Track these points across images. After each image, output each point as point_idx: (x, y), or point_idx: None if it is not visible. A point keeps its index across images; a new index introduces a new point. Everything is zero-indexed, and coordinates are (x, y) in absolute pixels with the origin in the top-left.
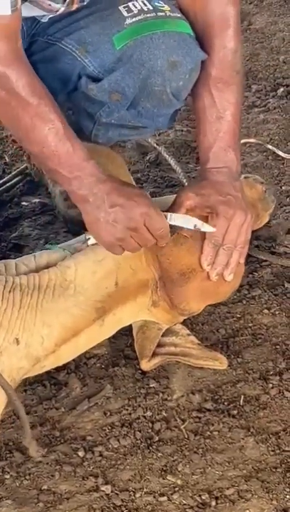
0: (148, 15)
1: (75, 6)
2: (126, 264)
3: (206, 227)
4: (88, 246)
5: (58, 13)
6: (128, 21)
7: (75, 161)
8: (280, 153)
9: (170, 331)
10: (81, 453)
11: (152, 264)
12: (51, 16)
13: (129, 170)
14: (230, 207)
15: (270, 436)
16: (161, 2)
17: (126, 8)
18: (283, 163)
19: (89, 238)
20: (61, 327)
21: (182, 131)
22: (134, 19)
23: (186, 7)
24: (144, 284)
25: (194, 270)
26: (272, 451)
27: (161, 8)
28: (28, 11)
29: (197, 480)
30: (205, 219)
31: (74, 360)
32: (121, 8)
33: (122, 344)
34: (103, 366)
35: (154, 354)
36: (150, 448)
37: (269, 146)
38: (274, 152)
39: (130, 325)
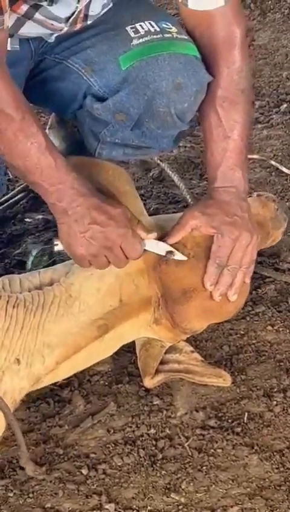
0: (154, 36)
1: (78, 26)
2: (129, 280)
3: (178, 256)
4: (54, 251)
5: (62, 31)
6: (134, 42)
7: (56, 174)
8: (284, 169)
9: (174, 348)
10: (84, 471)
11: (154, 282)
12: (56, 34)
13: None
14: (236, 228)
15: (274, 453)
16: (169, 24)
17: (133, 29)
18: (286, 179)
19: (57, 244)
20: (63, 346)
21: (185, 147)
22: (140, 40)
23: (192, 28)
24: (146, 301)
25: (196, 289)
26: (276, 468)
27: (168, 30)
28: (33, 29)
29: (201, 498)
30: (211, 238)
31: (77, 377)
32: (128, 28)
33: (126, 361)
34: (106, 383)
35: (157, 372)
36: (154, 465)
37: (273, 162)
38: (278, 168)
39: (134, 342)
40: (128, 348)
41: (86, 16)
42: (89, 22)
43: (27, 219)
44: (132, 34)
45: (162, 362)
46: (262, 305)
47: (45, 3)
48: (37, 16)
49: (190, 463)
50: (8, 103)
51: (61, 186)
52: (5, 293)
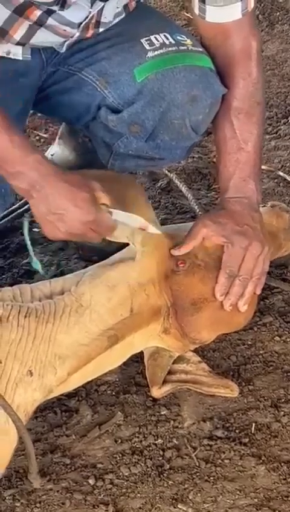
0: (169, 49)
1: (90, 33)
2: (141, 289)
3: (151, 229)
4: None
5: (74, 38)
6: (150, 54)
7: (15, 155)
8: None
9: (181, 358)
10: (91, 481)
11: (164, 291)
12: (67, 42)
13: None
14: (246, 237)
15: (282, 464)
16: (183, 36)
17: (148, 41)
18: None
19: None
20: (74, 357)
21: (193, 157)
22: (156, 52)
23: (208, 41)
24: (156, 311)
25: (206, 299)
26: (284, 479)
27: (183, 42)
28: (44, 37)
29: (208, 509)
30: (221, 248)
31: (84, 387)
32: (143, 41)
33: (134, 371)
34: (113, 393)
35: (165, 382)
36: (161, 476)
37: (280, 173)
38: (285, 179)
39: (142, 352)
40: (136, 358)
41: (98, 23)
42: (100, 30)
43: (35, 229)
44: (147, 47)
45: (169, 372)
46: (270, 316)
47: (56, 8)
48: (50, 21)
49: (197, 474)
50: None
51: (21, 168)
52: (16, 303)
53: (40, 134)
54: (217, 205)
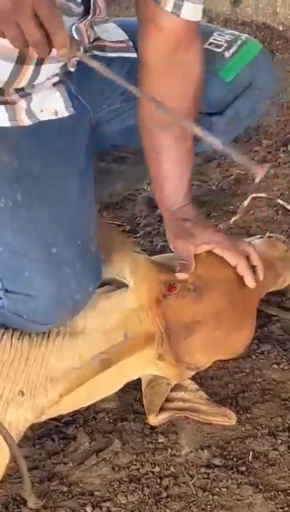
0: (238, 42)
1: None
2: (134, 316)
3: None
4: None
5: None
6: (227, 54)
7: None
8: None
9: (179, 386)
10: (89, 509)
11: (157, 317)
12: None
13: (139, 224)
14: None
15: (279, 493)
16: (227, 32)
17: (213, 45)
18: None
19: None
20: (65, 379)
21: (192, 185)
22: (231, 50)
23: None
24: (150, 336)
25: (198, 322)
26: (281, 508)
27: (236, 36)
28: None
29: None
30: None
31: (82, 414)
32: (206, 46)
33: (131, 398)
34: (111, 420)
35: (162, 409)
36: (158, 504)
37: (279, 201)
38: (284, 207)
39: (140, 380)
40: (134, 386)
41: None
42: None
43: None
44: (217, 49)
45: (167, 400)
46: (268, 344)
47: None
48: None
49: (195, 502)
50: None
51: None
52: None
53: None
54: (167, 223)
